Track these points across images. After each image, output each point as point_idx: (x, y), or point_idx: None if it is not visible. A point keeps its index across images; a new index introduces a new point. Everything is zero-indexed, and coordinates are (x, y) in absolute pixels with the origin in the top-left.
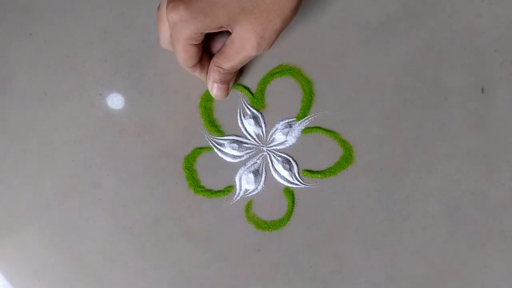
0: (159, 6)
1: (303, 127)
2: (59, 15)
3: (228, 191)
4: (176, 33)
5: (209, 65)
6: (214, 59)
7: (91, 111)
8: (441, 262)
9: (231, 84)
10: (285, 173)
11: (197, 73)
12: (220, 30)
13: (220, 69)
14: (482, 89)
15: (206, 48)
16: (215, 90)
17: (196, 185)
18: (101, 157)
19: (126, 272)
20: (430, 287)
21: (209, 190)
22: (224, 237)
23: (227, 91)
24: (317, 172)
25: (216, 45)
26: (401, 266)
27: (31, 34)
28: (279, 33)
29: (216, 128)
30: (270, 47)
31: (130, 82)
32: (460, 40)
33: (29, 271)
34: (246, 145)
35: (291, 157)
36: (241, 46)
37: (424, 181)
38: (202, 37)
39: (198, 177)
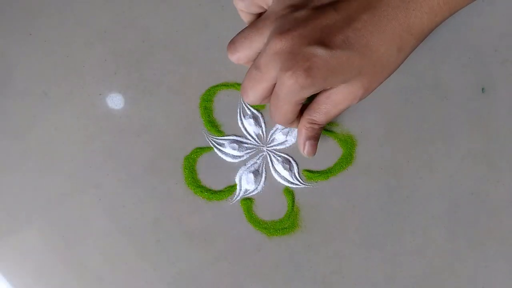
0: (255, 65)
1: None
2: (59, 15)
3: (228, 191)
4: (290, 97)
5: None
6: (307, 117)
7: (91, 111)
8: (441, 262)
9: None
10: (285, 173)
11: (294, 126)
12: None
13: (315, 125)
14: (482, 89)
15: None
16: (307, 147)
17: (196, 185)
18: (101, 157)
19: (126, 272)
20: (430, 287)
21: (209, 191)
22: (224, 237)
23: (316, 148)
24: (317, 172)
25: None
26: (401, 266)
27: (31, 34)
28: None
29: (216, 128)
30: None
31: (130, 82)
32: (460, 40)
33: (29, 271)
34: (246, 145)
35: (291, 157)
36: (342, 99)
37: (424, 181)
38: None
39: (198, 177)
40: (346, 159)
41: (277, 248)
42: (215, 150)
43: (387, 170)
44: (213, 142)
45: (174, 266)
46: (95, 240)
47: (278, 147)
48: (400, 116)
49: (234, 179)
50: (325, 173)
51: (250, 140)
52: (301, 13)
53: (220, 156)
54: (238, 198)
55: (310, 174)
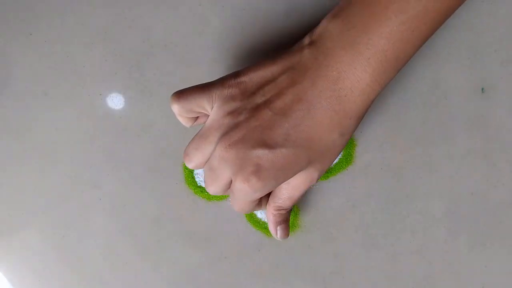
0: (209, 167)
1: None
2: (59, 15)
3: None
4: (245, 198)
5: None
6: (272, 204)
7: (91, 111)
8: (441, 262)
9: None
10: None
11: (256, 209)
12: None
13: (282, 211)
14: (482, 89)
15: None
16: (279, 232)
17: (196, 185)
18: (101, 157)
19: (126, 272)
20: (430, 287)
21: None
22: (224, 237)
23: (289, 229)
24: None
25: None
26: (401, 266)
27: (31, 34)
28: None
29: None
30: None
31: (130, 82)
32: (460, 40)
33: (29, 271)
34: None
35: None
36: (301, 183)
37: (424, 181)
38: None
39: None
40: (346, 159)
41: (277, 248)
42: None
43: (387, 170)
44: None
45: (174, 266)
46: (95, 240)
47: None
48: (400, 116)
49: None
50: (325, 173)
51: None
52: (240, 118)
53: None
54: None
55: None
